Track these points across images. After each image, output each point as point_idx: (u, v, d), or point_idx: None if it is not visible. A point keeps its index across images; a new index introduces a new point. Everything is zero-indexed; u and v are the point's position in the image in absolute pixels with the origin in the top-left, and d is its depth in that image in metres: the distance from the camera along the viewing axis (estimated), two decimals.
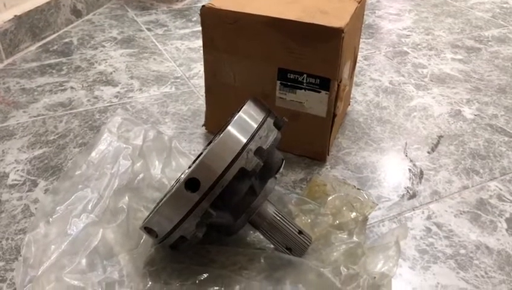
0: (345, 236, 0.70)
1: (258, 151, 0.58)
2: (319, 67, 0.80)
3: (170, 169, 0.78)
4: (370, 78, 1.19)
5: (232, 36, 0.83)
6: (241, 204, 0.62)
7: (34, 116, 0.99)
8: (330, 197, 0.74)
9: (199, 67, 1.20)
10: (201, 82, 1.13)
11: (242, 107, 0.63)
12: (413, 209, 0.80)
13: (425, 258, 0.71)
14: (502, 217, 0.80)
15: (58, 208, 0.65)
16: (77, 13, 1.42)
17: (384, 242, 0.67)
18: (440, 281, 0.68)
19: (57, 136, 0.93)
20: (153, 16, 1.51)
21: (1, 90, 1.08)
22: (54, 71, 1.16)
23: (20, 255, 0.66)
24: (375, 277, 0.62)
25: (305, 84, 0.82)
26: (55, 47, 1.28)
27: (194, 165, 0.60)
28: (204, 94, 0.93)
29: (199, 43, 1.31)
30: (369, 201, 0.75)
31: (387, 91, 1.14)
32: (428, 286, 0.67)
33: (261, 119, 0.61)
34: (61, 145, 0.91)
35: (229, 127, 0.58)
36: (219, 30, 0.83)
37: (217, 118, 0.93)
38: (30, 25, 1.25)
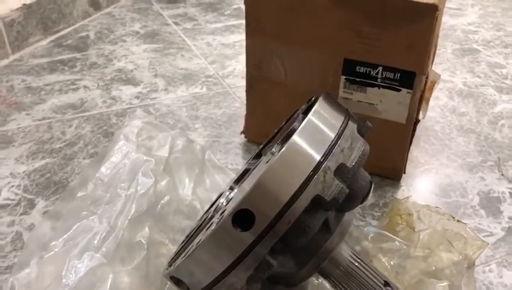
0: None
1: (340, 171, 0.39)
2: (401, 58, 0.61)
3: (203, 189, 0.60)
4: (440, 78, 0.99)
5: (284, 16, 0.64)
6: (310, 246, 0.43)
7: (39, 120, 0.82)
8: (421, 233, 0.55)
9: (234, 65, 1.02)
10: (237, 82, 0.95)
11: (311, 106, 0.44)
12: None
13: None
14: None
15: (53, 243, 0.47)
16: (96, 5, 1.26)
17: None
18: None
19: (63, 143, 0.76)
20: (181, 9, 1.34)
21: (3, 89, 0.91)
22: (66, 68, 1.00)
23: None
24: None
25: (379, 80, 0.63)
26: (69, 41, 1.12)
27: (243, 189, 0.42)
28: (244, 94, 0.74)
29: (234, 38, 1.13)
30: (476, 238, 0.55)
31: (463, 94, 0.94)
32: None
33: (340, 125, 0.42)
34: (68, 155, 0.73)
35: (295, 136, 0.39)
36: (268, 7, 0.65)
37: (259, 124, 0.75)
38: (41, 16, 1.09)
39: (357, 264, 0.47)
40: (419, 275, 0.52)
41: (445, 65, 1.05)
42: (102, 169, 0.55)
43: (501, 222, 0.64)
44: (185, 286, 0.42)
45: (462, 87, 0.96)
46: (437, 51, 0.95)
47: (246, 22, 0.67)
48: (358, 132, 0.44)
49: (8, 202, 0.64)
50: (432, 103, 0.90)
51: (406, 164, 0.69)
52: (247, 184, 0.47)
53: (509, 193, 0.69)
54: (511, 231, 0.62)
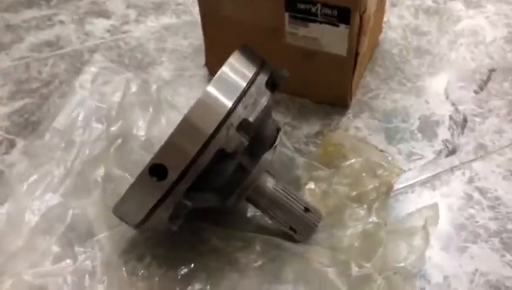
0: (363, 212, 0.57)
1: (243, 126, 0.45)
2: None
3: (158, 127, 0.66)
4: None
5: None
6: (229, 184, 0.50)
7: (17, 60, 0.88)
8: (347, 162, 0.61)
9: None
10: None
11: (228, 59, 0.49)
12: (452, 170, 0.66)
13: (463, 235, 0.59)
14: None
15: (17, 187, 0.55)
16: None
17: (409, 225, 0.54)
18: (479, 266, 0.56)
19: (40, 83, 0.82)
20: None
21: None
22: (42, 2, 1.03)
23: None
24: (395, 273, 0.50)
25: (319, 17, 0.66)
26: None
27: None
28: None
29: None
30: (394, 167, 0.61)
31: (430, 11, 0.94)
32: (463, 274, 0.55)
33: (248, 80, 0.47)
34: (44, 94, 0.80)
35: (203, 94, 0.45)
36: None
37: (219, 57, 0.78)
38: None
39: (280, 193, 0.54)
40: (343, 200, 0.59)
41: None
42: (59, 118, 0.62)
43: (434, 145, 0.69)
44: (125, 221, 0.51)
45: (431, 4, 0.96)
46: None
47: None
48: (269, 83, 0.49)
49: None
50: (395, 22, 0.92)
51: (351, 92, 0.74)
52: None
53: (449, 115, 0.73)
54: (440, 154, 0.68)
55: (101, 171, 0.59)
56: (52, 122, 0.62)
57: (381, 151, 0.64)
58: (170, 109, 0.69)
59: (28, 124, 0.75)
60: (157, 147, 0.64)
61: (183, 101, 0.76)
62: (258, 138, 0.48)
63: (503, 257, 0.56)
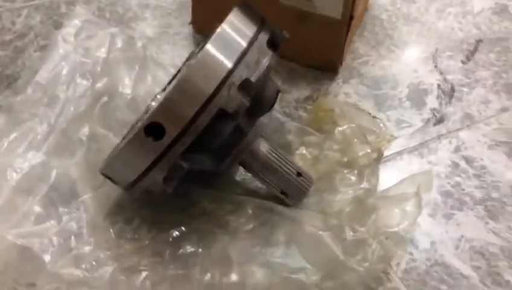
0: (354, 178, 0.57)
1: (244, 86, 0.43)
2: None
3: (144, 85, 0.64)
4: None
5: None
6: (225, 146, 0.48)
7: None
8: (339, 128, 0.60)
9: None
10: None
11: (227, 17, 0.47)
12: (439, 138, 0.67)
13: (449, 203, 0.60)
14: None
15: None
16: None
17: (401, 191, 0.54)
18: (465, 233, 0.57)
19: (14, 35, 0.77)
20: None
21: None
22: None
23: None
24: (387, 238, 0.50)
25: None
26: None
27: (158, 102, 0.46)
28: None
29: None
30: (386, 133, 0.61)
31: None
32: (449, 240, 0.56)
33: (249, 39, 0.45)
34: (18, 47, 0.75)
35: (203, 52, 0.43)
36: None
37: (206, 14, 0.76)
38: None
39: (273, 157, 0.53)
40: (334, 165, 0.59)
41: None
42: (41, 72, 0.58)
43: (422, 113, 0.69)
44: (114, 181, 0.49)
45: None
46: None
47: None
48: (270, 43, 0.47)
49: None
50: None
51: (342, 57, 0.73)
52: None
53: (437, 84, 0.74)
54: (428, 123, 0.68)
55: (85, 130, 0.56)
56: (33, 77, 0.58)
57: (373, 117, 0.63)
58: (156, 66, 0.66)
59: (3, 78, 0.70)
60: (143, 107, 0.62)
61: (168, 59, 0.73)
62: (258, 99, 0.46)
63: (487, 224, 0.58)
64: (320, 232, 0.48)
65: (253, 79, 0.44)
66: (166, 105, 0.42)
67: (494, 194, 0.60)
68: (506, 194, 0.61)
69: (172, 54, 0.75)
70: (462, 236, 0.56)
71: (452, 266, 0.54)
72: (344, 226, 0.49)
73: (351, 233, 0.48)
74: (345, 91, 0.71)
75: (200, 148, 0.46)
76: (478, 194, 0.60)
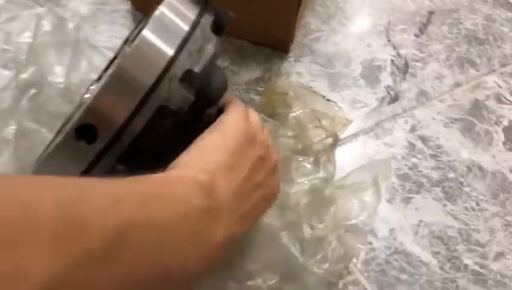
0: (309, 166, 0.54)
1: (187, 78, 0.38)
2: None
3: (79, 72, 0.57)
4: None
5: None
6: (168, 145, 0.44)
7: None
8: (292, 113, 0.57)
9: None
10: None
11: None
12: (394, 118, 0.65)
13: (407, 186, 0.58)
14: (499, 126, 0.65)
15: None
16: None
17: (359, 179, 0.52)
18: (423, 217, 0.56)
19: None
20: None
21: None
22: None
23: None
24: (346, 231, 0.48)
25: None
26: None
27: (88, 100, 0.40)
28: None
29: None
30: (341, 117, 0.58)
31: None
32: (408, 226, 0.55)
33: (191, 22, 0.40)
34: None
35: (139, 39, 0.37)
36: None
37: None
38: None
39: None
40: (288, 153, 0.56)
41: None
42: None
43: (377, 92, 0.67)
44: None
45: None
46: None
47: None
48: (215, 26, 0.42)
49: None
50: None
51: (293, 34, 0.68)
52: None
53: (391, 60, 0.71)
54: (383, 102, 0.66)
55: (12, 127, 0.50)
56: None
57: (328, 100, 0.60)
58: (91, 50, 0.60)
59: None
60: (77, 97, 0.56)
61: (105, 40, 0.67)
62: (204, 91, 0.41)
63: (445, 206, 0.57)
64: (277, 232, 0.45)
65: (197, 69, 0.39)
66: (97, 104, 0.37)
67: (451, 175, 0.59)
68: (462, 174, 0.60)
69: (110, 35, 0.68)
70: (420, 221, 0.55)
71: (412, 254, 0.53)
72: (301, 223, 0.46)
73: (309, 230, 0.46)
74: (297, 70, 0.67)
75: (139, 149, 0.41)
76: (435, 175, 0.59)
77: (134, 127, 0.37)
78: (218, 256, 0.30)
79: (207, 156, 0.35)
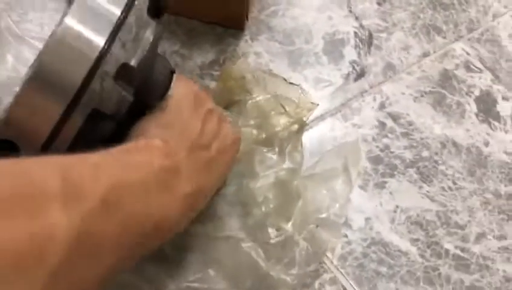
0: (274, 157, 0.49)
1: (122, 74, 0.32)
2: None
3: (5, 69, 0.50)
4: None
5: None
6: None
7: None
8: (252, 99, 0.52)
9: None
10: None
11: None
12: (362, 95, 0.60)
13: (380, 169, 0.54)
14: (470, 97, 0.62)
15: None
16: None
17: (328, 167, 0.47)
18: (399, 203, 0.52)
19: None
20: None
21: None
22: None
23: None
24: (317, 226, 0.44)
25: None
26: None
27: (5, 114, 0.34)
28: None
29: None
30: (306, 101, 0.53)
31: None
32: (384, 213, 0.51)
33: (123, 6, 0.34)
34: None
35: (60, 30, 0.31)
36: None
37: None
38: None
39: None
40: (250, 145, 0.50)
41: None
42: None
43: (341, 68, 0.62)
44: None
45: None
46: None
47: None
48: (152, 10, 0.36)
49: None
50: None
51: (248, 9, 0.62)
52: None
53: (354, 32, 0.66)
54: (348, 79, 0.61)
55: None
56: None
57: (291, 83, 0.55)
58: (18, 41, 0.52)
59: None
60: (5, 96, 0.49)
61: (34, 29, 0.59)
62: (145, 88, 0.35)
63: (421, 188, 0.53)
64: (239, 243, 0.40)
65: (133, 63, 0.33)
66: (14, 116, 0.30)
67: (425, 153, 0.56)
68: (436, 151, 0.56)
69: (40, 23, 0.60)
70: (397, 207, 0.51)
71: (390, 243, 0.49)
72: (266, 225, 0.41)
73: (275, 232, 0.41)
74: (254, 50, 0.62)
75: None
76: (408, 155, 0.55)
77: (63, 140, 0.31)
78: (193, 204, 0.36)
79: (161, 127, 0.37)
